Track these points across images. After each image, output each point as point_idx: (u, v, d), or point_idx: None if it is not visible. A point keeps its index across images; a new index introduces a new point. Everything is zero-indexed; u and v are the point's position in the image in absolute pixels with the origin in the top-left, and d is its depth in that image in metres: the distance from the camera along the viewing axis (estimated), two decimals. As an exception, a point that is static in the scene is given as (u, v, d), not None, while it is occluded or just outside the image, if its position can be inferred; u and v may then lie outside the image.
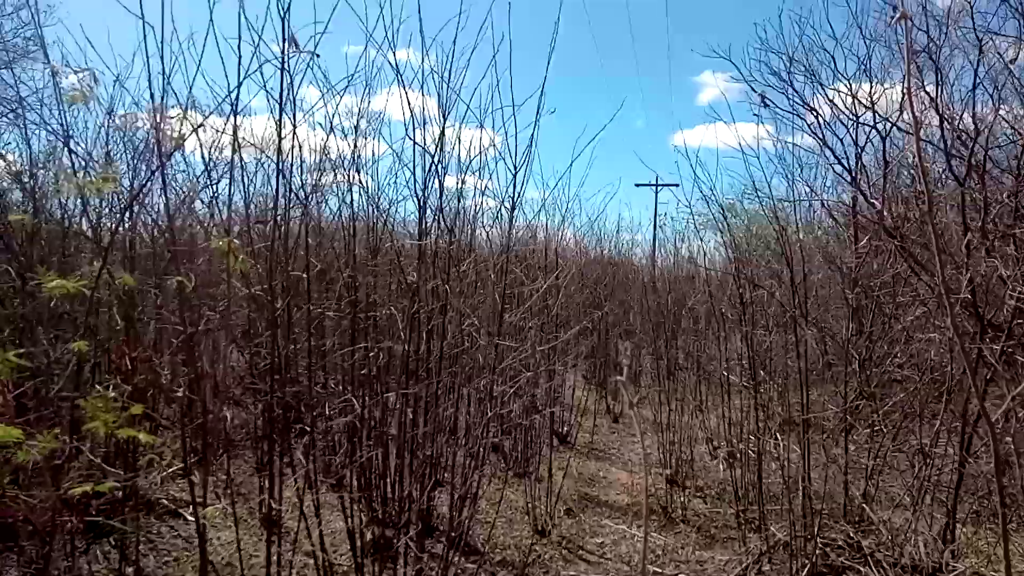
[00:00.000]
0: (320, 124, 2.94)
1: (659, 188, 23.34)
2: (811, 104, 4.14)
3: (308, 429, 3.10)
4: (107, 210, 3.97)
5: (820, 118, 4.06)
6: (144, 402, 2.82)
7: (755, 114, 4.65)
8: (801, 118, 4.21)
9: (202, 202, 4.76)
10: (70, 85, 2.80)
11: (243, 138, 2.38)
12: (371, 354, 3.21)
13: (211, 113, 2.30)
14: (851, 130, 4.53)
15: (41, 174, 4.09)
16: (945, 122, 2.73)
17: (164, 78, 2.20)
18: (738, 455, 4.55)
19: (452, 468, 3.16)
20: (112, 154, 3.69)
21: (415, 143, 2.97)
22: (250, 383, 4.15)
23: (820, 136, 4.16)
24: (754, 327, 4.18)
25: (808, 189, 4.96)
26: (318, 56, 2.40)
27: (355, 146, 3.05)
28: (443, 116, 2.97)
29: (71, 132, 2.83)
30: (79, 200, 3.81)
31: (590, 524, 4.70)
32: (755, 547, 4.06)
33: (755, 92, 4.27)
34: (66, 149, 2.76)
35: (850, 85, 4.29)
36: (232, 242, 2.02)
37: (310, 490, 2.93)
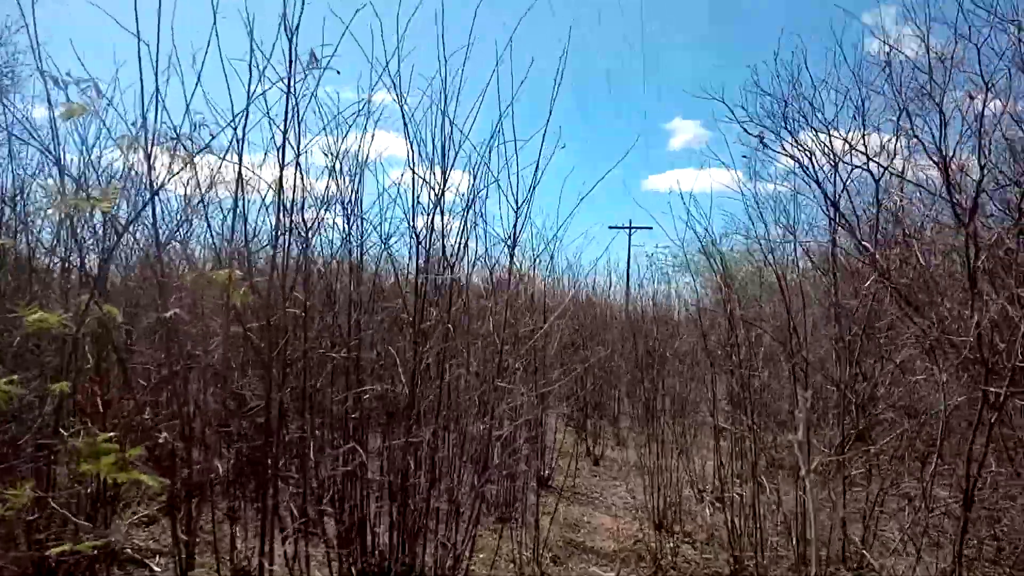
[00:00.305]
0: (325, 153, 2.82)
1: (633, 231, 23.80)
2: (803, 146, 4.21)
3: (295, 477, 2.92)
4: (76, 246, 3.77)
5: (813, 160, 4.13)
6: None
7: (744, 156, 4.70)
8: (796, 160, 4.27)
9: (176, 240, 4.58)
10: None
11: (247, 168, 2.25)
12: (365, 397, 3.04)
13: (215, 137, 2.18)
14: (831, 173, 4.59)
15: (8, 211, 3.90)
16: (949, 166, 2.78)
17: (158, 99, 2.07)
18: (730, 499, 4.44)
19: (455, 518, 2.99)
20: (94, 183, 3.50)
21: (415, 174, 2.88)
22: (221, 426, 3.93)
23: (814, 177, 4.20)
24: (745, 368, 4.12)
25: (783, 231, 5.01)
26: (339, 73, 2.30)
27: (353, 181, 2.94)
28: (445, 152, 2.89)
29: (59, 155, 2.64)
30: (51, 235, 3.63)
31: (577, 572, 4.52)
32: (753, 596, 3.94)
33: (750, 134, 4.31)
34: (56, 170, 2.58)
35: (828, 129, 4.38)
36: (233, 274, 1.89)
37: (282, 540, 2.74)
